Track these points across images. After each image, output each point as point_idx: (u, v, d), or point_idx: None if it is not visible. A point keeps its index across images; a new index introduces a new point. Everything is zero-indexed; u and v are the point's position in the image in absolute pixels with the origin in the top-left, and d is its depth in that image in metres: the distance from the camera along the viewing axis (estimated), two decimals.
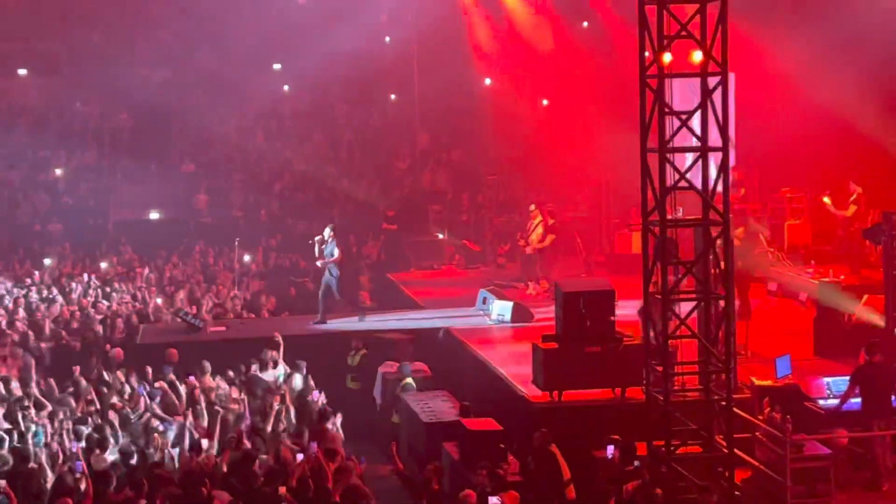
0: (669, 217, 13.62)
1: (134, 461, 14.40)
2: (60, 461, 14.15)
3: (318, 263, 21.57)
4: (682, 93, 13.97)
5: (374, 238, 30.13)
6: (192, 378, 17.27)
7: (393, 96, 37.40)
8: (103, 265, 27.88)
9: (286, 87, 37.96)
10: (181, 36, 37.33)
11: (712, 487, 12.79)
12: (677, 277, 13.87)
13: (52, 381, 17.54)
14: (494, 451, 14.26)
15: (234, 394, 16.90)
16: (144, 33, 38.21)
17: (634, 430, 14.01)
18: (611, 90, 27.63)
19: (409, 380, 18.46)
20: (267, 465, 13.97)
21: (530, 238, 23.91)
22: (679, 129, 13.56)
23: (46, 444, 14.75)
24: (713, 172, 13.64)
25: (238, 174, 35.22)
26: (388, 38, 36.06)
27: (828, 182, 24.62)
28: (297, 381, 18.02)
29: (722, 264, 13.79)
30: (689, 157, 13.96)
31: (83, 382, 17.20)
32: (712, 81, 13.49)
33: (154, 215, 33.33)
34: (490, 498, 12.47)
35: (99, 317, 22.35)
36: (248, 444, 14.70)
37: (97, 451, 14.57)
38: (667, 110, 13.47)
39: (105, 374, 17.79)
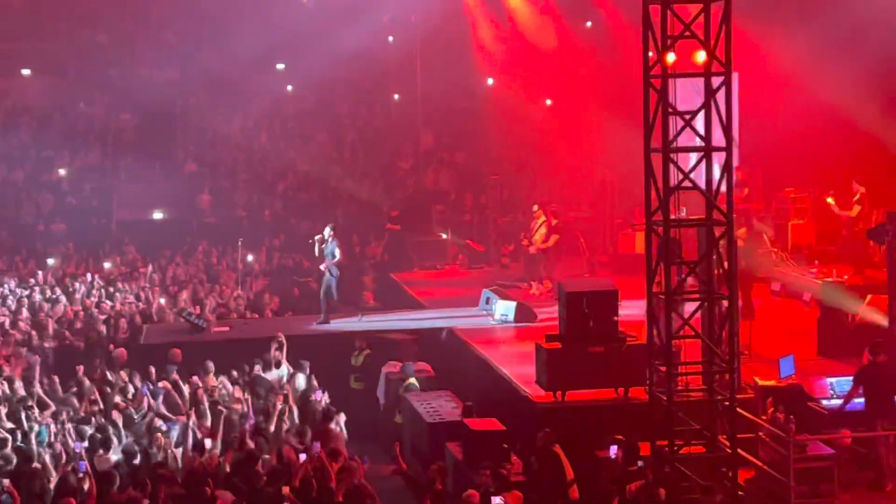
0: (673, 217, 13.63)
1: (137, 461, 14.42)
2: (64, 461, 14.18)
3: (322, 267, 21.52)
4: (686, 93, 13.98)
5: (377, 238, 30.13)
6: (195, 378, 17.30)
7: (396, 96, 37.39)
8: (107, 265, 27.91)
9: (290, 88, 37.97)
10: (185, 36, 37.38)
11: (716, 487, 12.79)
12: (681, 277, 13.87)
13: (55, 380, 17.55)
14: (498, 452, 14.28)
15: (238, 394, 16.91)
16: (148, 33, 38.27)
17: (638, 431, 14.01)
18: (614, 90, 27.58)
19: (413, 380, 18.47)
20: (270, 465, 13.99)
21: (534, 238, 23.90)
22: (683, 129, 13.57)
23: (50, 444, 14.75)
24: (717, 172, 13.64)
25: (241, 174, 35.23)
26: (391, 39, 36.05)
27: (831, 181, 24.61)
28: (301, 381, 18.03)
29: (725, 264, 13.79)
30: (693, 157, 13.96)
31: (87, 382, 17.22)
32: (716, 81, 13.50)
33: (157, 215, 33.35)
34: (493, 498, 12.47)
35: (102, 317, 22.37)
36: (251, 444, 14.70)
37: (100, 451, 14.58)
38: (670, 110, 13.48)
39: (108, 373, 17.79)
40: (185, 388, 17.01)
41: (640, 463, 13.38)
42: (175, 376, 17.40)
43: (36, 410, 15.85)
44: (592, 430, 15.01)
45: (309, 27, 33.24)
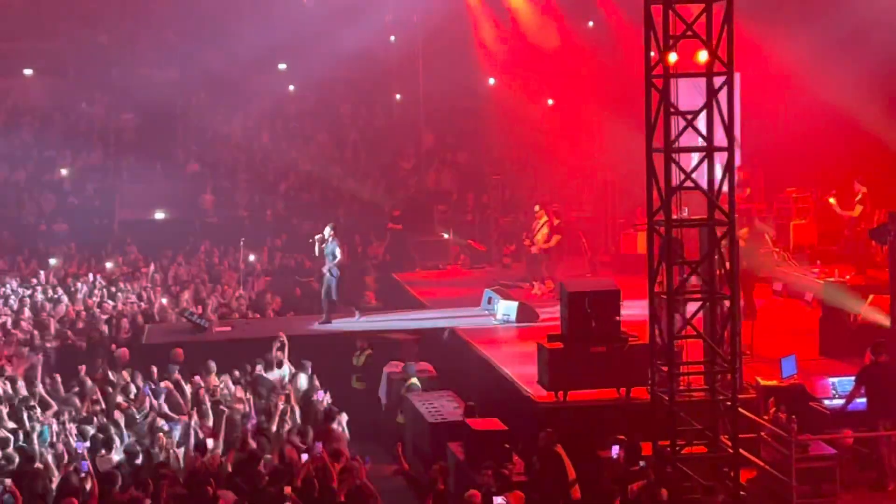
0: (675, 217, 13.61)
1: (139, 461, 14.42)
2: (66, 461, 14.17)
3: (324, 269, 21.49)
4: (688, 92, 13.96)
5: (379, 238, 30.14)
6: (197, 378, 17.30)
7: (398, 96, 37.41)
8: (109, 265, 27.93)
9: (291, 87, 37.99)
10: (186, 36, 37.36)
11: (717, 487, 12.79)
12: (682, 277, 13.87)
13: (57, 380, 17.55)
14: (499, 452, 14.28)
15: (240, 393, 16.91)
16: (149, 33, 38.24)
17: (639, 430, 14.01)
18: (616, 90, 27.61)
19: (415, 380, 18.46)
20: (272, 465, 13.99)
21: (535, 238, 23.89)
22: (685, 128, 13.55)
23: (52, 444, 14.76)
24: (718, 172, 13.62)
25: (243, 174, 35.24)
26: (392, 38, 36.07)
27: (833, 181, 24.60)
28: (303, 380, 18.03)
29: (727, 264, 13.78)
30: (695, 157, 13.94)
31: (88, 382, 17.21)
32: (718, 81, 13.47)
33: (159, 215, 33.38)
34: (495, 498, 12.47)
35: (104, 317, 22.37)
36: (253, 444, 14.71)
37: (102, 451, 14.58)
38: (672, 110, 13.46)
39: (110, 373, 17.79)
40: (187, 388, 17.01)
41: (641, 463, 13.38)
42: (177, 376, 17.40)
43: (38, 410, 15.84)
44: (594, 430, 15.00)
45: (310, 27, 33.24)
